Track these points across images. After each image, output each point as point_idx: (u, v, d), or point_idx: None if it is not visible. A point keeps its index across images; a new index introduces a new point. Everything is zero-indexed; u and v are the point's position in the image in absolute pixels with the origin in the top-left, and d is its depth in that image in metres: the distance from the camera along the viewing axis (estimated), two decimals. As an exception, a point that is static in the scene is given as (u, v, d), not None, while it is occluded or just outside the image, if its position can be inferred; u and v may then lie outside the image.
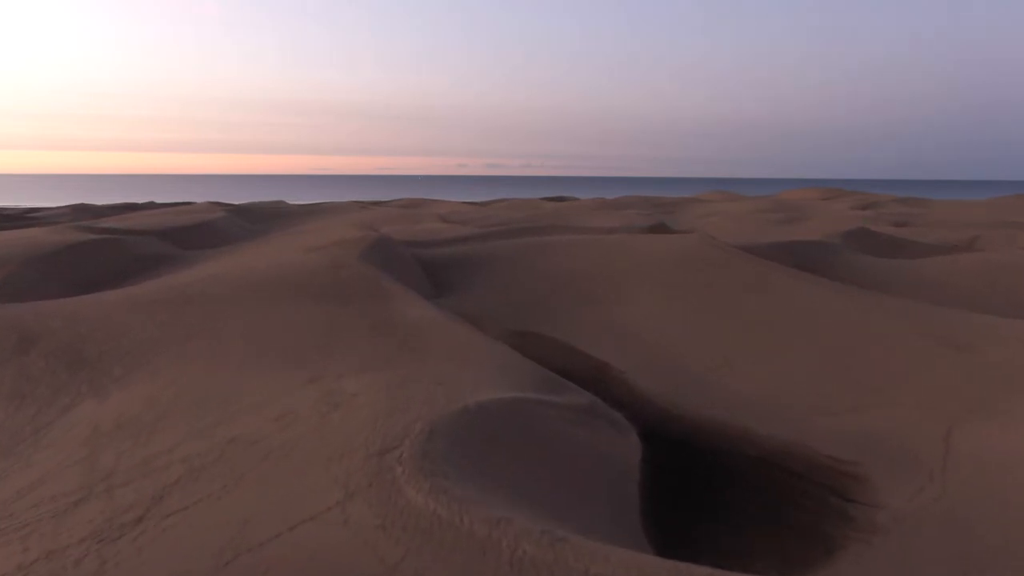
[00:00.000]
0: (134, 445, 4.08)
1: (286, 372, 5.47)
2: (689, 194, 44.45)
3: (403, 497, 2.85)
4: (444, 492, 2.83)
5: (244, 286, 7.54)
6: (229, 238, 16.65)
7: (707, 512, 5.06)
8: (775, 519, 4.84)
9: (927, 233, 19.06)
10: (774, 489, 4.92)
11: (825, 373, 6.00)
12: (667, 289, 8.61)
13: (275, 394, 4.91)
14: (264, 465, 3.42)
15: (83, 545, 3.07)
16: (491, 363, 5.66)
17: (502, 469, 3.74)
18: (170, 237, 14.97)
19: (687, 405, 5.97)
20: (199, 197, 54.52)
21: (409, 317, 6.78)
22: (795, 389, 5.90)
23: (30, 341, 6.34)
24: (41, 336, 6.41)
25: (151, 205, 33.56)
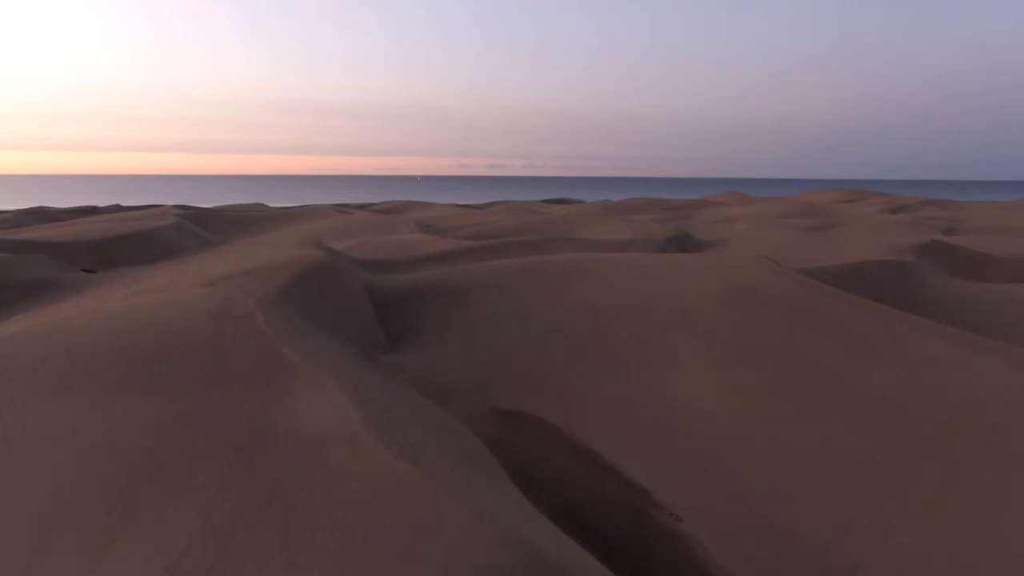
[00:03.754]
0: None
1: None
2: (697, 195, 41.60)
3: None
4: None
5: (55, 355, 4.66)
6: (163, 252, 13.76)
7: None
8: None
9: (982, 242, 16.22)
10: None
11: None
12: (728, 348, 5.72)
13: None
14: None
15: None
16: (433, 547, 2.78)
17: None
18: (82, 253, 12.11)
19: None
20: (192, 198, 51.88)
21: (307, 422, 3.90)
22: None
23: None
24: None
25: (116, 208, 30.59)
